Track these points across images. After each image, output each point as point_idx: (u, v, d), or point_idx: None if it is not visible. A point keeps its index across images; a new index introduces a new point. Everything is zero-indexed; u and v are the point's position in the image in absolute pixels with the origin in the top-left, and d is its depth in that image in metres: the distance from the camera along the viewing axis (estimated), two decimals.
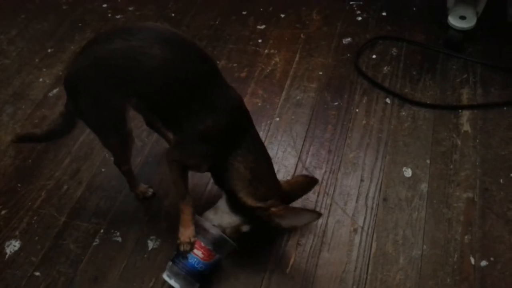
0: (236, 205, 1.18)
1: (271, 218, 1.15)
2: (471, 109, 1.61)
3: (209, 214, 1.23)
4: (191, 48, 1.16)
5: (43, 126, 1.40)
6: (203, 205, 1.31)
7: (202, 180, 1.45)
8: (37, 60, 1.93)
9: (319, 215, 1.15)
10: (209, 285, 1.22)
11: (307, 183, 1.29)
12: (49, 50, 1.96)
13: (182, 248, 1.17)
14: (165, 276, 1.18)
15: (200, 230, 1.19)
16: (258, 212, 1.15)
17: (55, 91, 1.79)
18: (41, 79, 1.84)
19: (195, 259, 1.17)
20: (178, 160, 1.20)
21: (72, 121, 1.29)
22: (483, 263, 1.24)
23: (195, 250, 1.17)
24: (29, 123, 1.68)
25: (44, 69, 1.88)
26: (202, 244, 1.17)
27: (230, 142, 1.15)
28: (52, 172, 1.53)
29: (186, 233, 1.18)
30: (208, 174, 1.28)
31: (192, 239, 1.18)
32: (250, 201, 1.15)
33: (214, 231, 1.18)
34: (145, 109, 1.24)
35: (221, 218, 1.21)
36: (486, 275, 1.22)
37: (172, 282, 1.17)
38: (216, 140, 1.15)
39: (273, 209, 1.14)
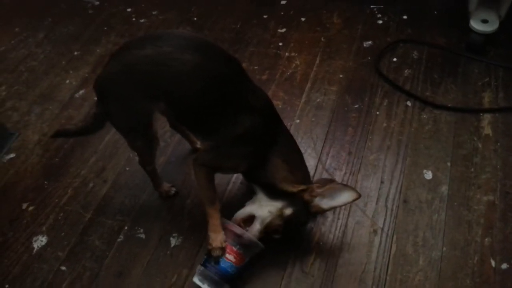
0: (275, 194, 1.20)
1: (312, 199, 1.18)
2: (492, 112, 1.60)
3: (248, 206, 1.23)
4: (218, 52, 1.19)
5: (77, 123, 1.44)
6: (224, 205, 1.33)
7: (222, 180, 1.47)
8: (64, 62, 1.99)
9: (358, 194, 1.16)
10: (235, 285, 1.23)
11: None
12: (75, 53, 2.02)
13: (214, 254, 1.17)
14: (196, 280, 1.19)
15: (229, 233, 1.19)
16: (300, 195, 1.19)
17: (81, 92, 1.85)
18: (67, 81, 1.90)
19: (228, 264, 1.17)
20: (211, 165, 1.21)
21: (103, 120, 1.33)
22: (504, 266, 1.23)
23: (226, 255, 1.18)
24: (56, 123, 1.73)
25: (71, 71, 1.94)
26: (234, 248, 1.18)
27: (268, 139, 1.20)
28: (78, 170, 1.58)
29: (217, 238, 1.19)
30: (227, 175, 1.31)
31: (224, 244, 1.18)
32: (292, 187, 1.19)
33: (244, 234, 1.18)
34: (174, 116, 1.26)
35: (262, 208, 1.21)
36: (507, 278, 1.21)
37: (205, 286, 1.17)
38: (256, 139, 1.18)
39: (315, 187, 1.18)
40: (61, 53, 2.03)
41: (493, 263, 1.24)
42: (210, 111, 1.16)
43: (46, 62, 2.00)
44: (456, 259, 1.26)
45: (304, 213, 1.21)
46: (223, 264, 1.17)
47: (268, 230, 1.21)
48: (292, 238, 1.30)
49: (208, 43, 1.20)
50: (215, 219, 1.21)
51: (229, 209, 1.27)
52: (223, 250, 1.18)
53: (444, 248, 1.28)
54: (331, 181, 1.31)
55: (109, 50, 2.01)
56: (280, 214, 1.20)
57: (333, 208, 1.23)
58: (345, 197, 1.18)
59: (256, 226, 1.19)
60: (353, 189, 1.18)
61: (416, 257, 1.27)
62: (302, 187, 1.19)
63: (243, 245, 1.18)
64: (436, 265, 1.25)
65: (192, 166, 1.24)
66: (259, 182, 1.23)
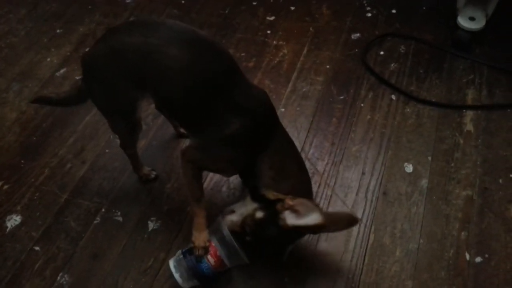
0: (257, 197, 1.15)
1: (282, 211, 1.08)
2: (475, 109, 1.62)
3: (234, 206, 1.20)
4: (210, 48, 1.12)
5: (60, 93, 1.40)
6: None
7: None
8: (45, 40, 1.94)
9: (324, 221, 1.05)
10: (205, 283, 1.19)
11: (348, 221, 1.17)
12: (57, 31, 1.97)
13: (197, 253, 1.14)
14: (171, 265, 1.17)
15: (219, 237, 1.15)
16: (277, 203, 1.10)
17: (62, 71, 1.81)
18: (49, 59, 1.85)
19: (206, 265, 1.14)
20: (197, 161, 1.16)
21: (86, 95, 1.28)
22: (478, 259, 1.25)
23: (209, 257, 1.15)
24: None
25: (53, 49, 1.89)
26: (218, 253, 1.14)
27: (258, 144, 1.12)
28: (56, 150, 1.54)
29: (200, 237, 1.16)
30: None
31: (207, 244, 1.15)
32: (271, 195, 1.11)
33: (232, 243, 1.12)
34: (161, 107, 1.22)
35: (241, 206, 1.18)
36: (480, 271, 1.23)
37: (176, 276, 1.15)
38: (244, 143, 1.11)
39: (288, 199, 1.08)
40: (43, 30, 1.98)
41: (467, 256, 1.26)
42: (196, 109, 1.11)
43: (27, 39, 1.94)
44: (432, 251, 1.27)
45: (273, 222, 1.10)
46: (202, 264, 1.15)
47: (241, 225, 1.16)
48: (261, 251, 1.22)
49: (199, 36, 1.12)
50: (200, 217, 1.18)
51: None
52: (206, 249, 1.15)
53: (421, 240, 1.29)
54: (354, 218, 1.18)
55: (92, 29, 1.97)
56: (252, 214, 1.14)
57: (296, 227, 1.08)
58: (311, 218, 1.06)
59: (232, 216, 1.17)
60: (322, 213, 1.07)
61: (393, 248, 1.28)
62: (280, 196, 1.10)
63: (228, 252, 1.14)
64: (413, 256, 1.26)
65: (179, 159, 1.19)
66: (248, 184, 1.19)
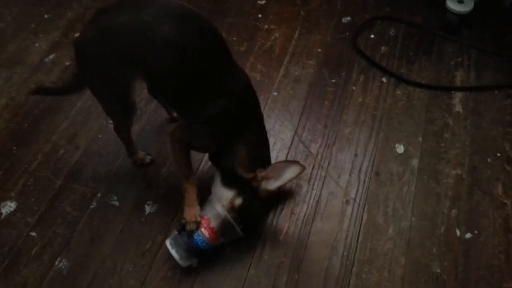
0: (230, 180, 1.19)
1: (259, 184, 1.17)
2: (463, 91, 1.65)
3: (204, 209, 1.21)
4: (203, 26, 1.13)
5: (57, 82, 1.39)
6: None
7: (195, 156, 1.44)
8: (33, 25, 1.90)
9: (302, 167, 1.15)
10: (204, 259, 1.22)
11: (294, 169, 1.25)
12: (45, 16, 1.94)
13: (188, 228, 1.17)
14: (167, 243, 1.18)
15: (212, 210, 1.18)
16: (250, 181, 1.17)
17: (51, 56, 1.78)
18: (37, 44, 1.83)
19: (201, 238, 1.17)
20: (185, 141, 1.20)
21: (83, 81, 1.28)
22: (468, 235, 1.29)
23: (202, 229, 1.17)
24: (25, 87, 1.66)
25: (41, 35, 1.86)
26: (211, 225, 1.17)
27: (239, 125, 1.16)
28: (48, 136, 1.53)
29: (191, 212, 1.18)
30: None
31: (198, 218, 1.18)
32: (245, 173, 1.17)
33: (225, 216, 1.16)
34: (151, 86, 1.23)
35: (215, 207, 1.19)
36: (470, 247, 1.27)
37: (173, 252, 1.17)
38: (226, 122, 1.15)
39: (259, 172, 1.16)
40: (30, 15, 1.94)
41: (458, 232, 1.30)
42: (186, 88, 1.13)
43: (14, 24, 1.91)
44: (424, 229, 1.31)
45: (255, 199, 1.19)
46: (196, 237, 1.17)
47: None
48: (255, 227, 1.29)
49: (192, 13, 1.13)
50: (190, 193, 1.21)
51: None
52: (197, 224, 1.17)
53: (413, 218, 1.33)
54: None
55: (81, 14, 1.94)
56: (232, 207, 1.18)
57: (281, 186, 1.18)
58: (290, 173, 1.15)
59: (213, 223, 1.18)
60: (296, 163, 1.16)
61: (386, 227, 1.31)
62: (251, 174, 1.17)
63: (221, 224, 1.17)
64: (405, 234, 1.30)
65: (168, 140, 1.22)
66: (220, 165, 1.21)
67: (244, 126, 1.17)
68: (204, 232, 1.17)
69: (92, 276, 1.22)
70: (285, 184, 1.20)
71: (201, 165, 1.45)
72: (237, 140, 1.17)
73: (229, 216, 1.16)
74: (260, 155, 1.21)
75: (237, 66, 1.19)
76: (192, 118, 1.18)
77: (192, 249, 1.17)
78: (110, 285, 1.21)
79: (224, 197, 1.19)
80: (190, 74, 1.11)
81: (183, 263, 1.18)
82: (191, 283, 1.21)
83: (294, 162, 1.18)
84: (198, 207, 1.20)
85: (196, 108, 1.14)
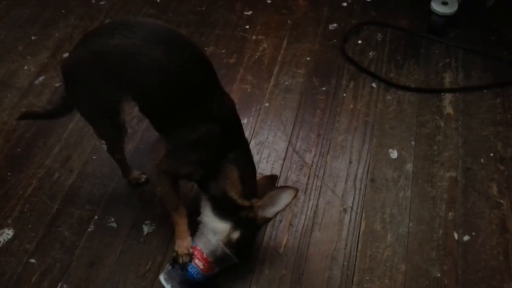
0: (223, 209, 1.17)
1: (257, 213, 1.15)
2: (453, 92, 1.67)
3: (197, 240, 1.19)
4: (192, 51, 1.13)
5: (46, 106, 1.38)
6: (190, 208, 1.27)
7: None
8: (20, 47, 1.89)
9: (295, 191, 1.13)
10: None
11: (270, 180, 1.31)
12: (32, 38, 1.93)
13: (181, 261, 1.15)
14: (161, 279, 1.16)
15: (204, 240, 1.17)
16: (246, 211, 1.15)
17: (41, 79, 1.77)
18: (26, 67, 1.82)
19: (195, 270, 1.15)
20: (170, 169, 1.19)
21: (72, 104, 1.28)
22: (466, 237, 1.31)
23: (196, 261, 1.15)
24: (16, 111, 1.65)
25: (29, 57, 1.86)
26: (204, 255, 1.15)
27: (224, 148, 1.16)
28: (42, 160, 1.52)
29: (183, 244, 1.17)
30: None
31: (190, 250, 1.16)
32: (240, 200, 1.15)
33: (218, 245, 1.15)
34: (140, 109, 1.22)
35: (209, 237, 1.17)
36: (468, 249, 1.28)
37: (168, 287, 1.15)
38: (209, 147, 1.15)
39: (255, 202, 1.15)
40: (18, 37, 1.93)
41: (456, 235, 1.31)
42: (172, 113, 1.13)
43: (2, 47, 1.90)
44: (422, 233, 1.32)
45: (252, 229, 1.19)
46: (191, 269, 1.15)
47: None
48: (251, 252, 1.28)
49: (181, 38, 1.14)
50: (180, 225, 1.19)
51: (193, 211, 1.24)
52: (189, 256, 1.16)
53: (411, 224, 1.34)
54: (273, 177, 1.33)
55: (68, 34, 1.93)
56: (228, 241, 1.16)
57: (278, 213, 1.18)
58: (285, 198, 1.14)
59: (208, 254, 1.16)
60: (289, 187, 1.16)
61: (384, 233, 1.32)
62: (247, 203, 1.15)
63: (215, 254, 1.15)
64: (403, 240, 1.30)
65: (155, 173, 1.22)
66: (210, 192, 1.19)
67: (230, 149, 1.16)
68: (198, 263, 1.15)
69: None
70: (283, 210, 1.17)
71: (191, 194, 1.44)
72: (225, 162, 1.15)
73: (225, 247, 1.15)
74: (248, 178, 1.19)
75: (223, 91, 1.19)
76: (175, 144, 1.18)
77: (187, 282, 1.15)
78: None
79: (219, 231, 1.17)
80: (176, 98, 1.11)
81: None
82: None
83: (287, 187, 1.21)
84: (189, 239, 1.19)
85: (181, 132, 1.14)
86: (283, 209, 1.17)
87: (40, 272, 1.27)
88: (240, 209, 1.15)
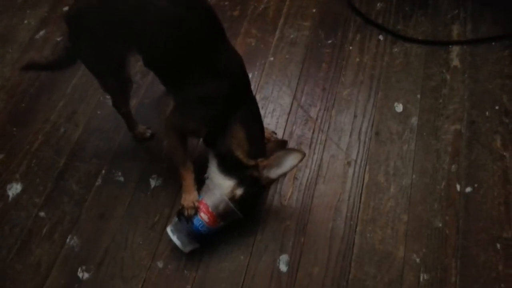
0: (228, 167, 1.17)
1: (261, 173, 1.15)
2: (461, 44, 1.64)
3: (203, 195, 1.21)
4: (200, 5, 1.10)
5: (48, 56, 1.36)
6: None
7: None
8: (19, 1, 1.85)
9: (303, 154, 1.13)
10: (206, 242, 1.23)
11: (280, 145, 1.31)
12: None
13: (186, 213, 1.17)
14: (168, 230, 1.20)
15: (210, 195, 1.18)
16: (251, 170, 1.15)
17: (41, 33, 1.74)
18: (26, 21, 1.78)
19: (201, 223, 1.17)
20: (177, 125, 1.18)
21: (75, 55, 1.26)
22: (468, 189, 1.32)
23: (201, 214, 1.17)
24: (18, 66, 1.64)
25: (28, 11, 1.81)
26: (210, 209, 1.17)
27: (231, 106, 1.14)
28: (47, 115, 1.53)
29: (189, 198, 1.19)
30: None
31: (196, 203, 1.18)
32: (246, 160, 1.15)
33: (223, 200, 1.17)
34: (145, 63, 1.20)
35: (214, 192, 1.18)
36: (470, 200, 1.30)
37: (174, 238, 1.18)
38: (217, 104, 1.13)
39: (260, 162, 1.15)
40: None
41: (458, 187, 1.33)
42: (179, 66, 1.11)
43: (1, 1, 1.85)
44: (425, 185, 1.33)
45: (255, 188, 1.18)
46: (196, 222, 1.17)
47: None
48: (253, 211, 1.28)
49: None
50: (187, 180, 1.21)
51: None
52: (195, 209, 1.18)
53: (414, 176, 1.35)
54: (283, 142, 1.32)
55: None
56: (232, 197, 1.17)
57: (283, 175, 1.18)
58: (291, 161, 1.13)
59: (213, 208, 1.18)
60: (297, 150, 1.15)
61: (388, 185, 1.34)
62: (252, 162, 1.15)
63: (219, 209, 1.17)
64: (406, 191, 1.32)
65: (164, 129, 1.22)
66: (216, 149, 1.19)
67: (238, 107, 1.15)
68: (204, 216, 1.17)
69: (104, 251, 1.26)
70: (288, 172, 1.17)
71: (197, 149, 1.45)
72: (232, 120, 1.15)
73: (230, 202, 1.16)
74: (255, 136, 1.18)
75: (231, 46, 1.17)
76: (183, 99, 1.17)
77: (192, 234, 1.18)
78: (123, 258, 1.24)
79: (224, 187, 1.18)
80: (183, 51, 1.09)
81: (185, 248, 1.20)
82: (201, 251, 1.24)
83: (295, 149, 1.19)
84: (196, 193, 1.20)
85: (188, 88, 1.12)
86: (288, 171, 1.16)
87: (50, 225, 1.30)
88: (245, 168, 1.16)
